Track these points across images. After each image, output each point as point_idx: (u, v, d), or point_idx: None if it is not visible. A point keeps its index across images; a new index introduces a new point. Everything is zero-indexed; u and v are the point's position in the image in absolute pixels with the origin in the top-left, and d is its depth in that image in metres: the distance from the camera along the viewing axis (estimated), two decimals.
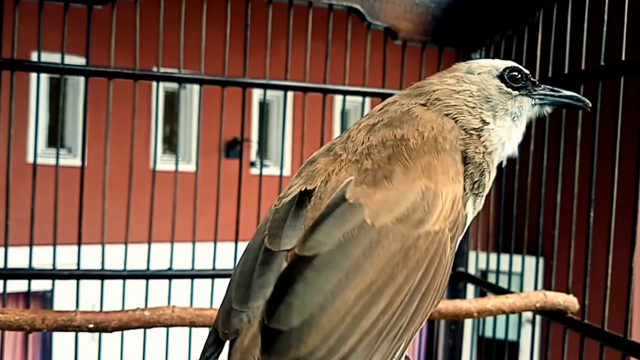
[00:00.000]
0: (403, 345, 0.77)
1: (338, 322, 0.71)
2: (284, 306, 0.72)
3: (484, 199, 0.97)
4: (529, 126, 1.52)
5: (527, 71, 1.03)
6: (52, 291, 4.42)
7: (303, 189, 0.85)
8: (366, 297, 0.73)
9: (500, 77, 1.01)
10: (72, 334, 1.26)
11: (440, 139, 0.89)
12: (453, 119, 0.95)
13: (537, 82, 1.04)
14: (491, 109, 0.98)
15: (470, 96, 0.97)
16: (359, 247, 0.76)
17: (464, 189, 0.90)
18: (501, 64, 1.02)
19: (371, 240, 0.77)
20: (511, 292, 1.42)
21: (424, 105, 0.96)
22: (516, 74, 1.02)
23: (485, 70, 1.01)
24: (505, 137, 0.99)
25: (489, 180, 0.97)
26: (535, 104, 1.03)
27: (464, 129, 0.95)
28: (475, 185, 0.93)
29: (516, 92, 1.01)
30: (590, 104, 1.06)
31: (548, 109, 1.06)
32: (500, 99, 0.99)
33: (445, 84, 0.99)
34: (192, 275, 1.58)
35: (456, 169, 0.88)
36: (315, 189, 0.85)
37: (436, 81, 1.00)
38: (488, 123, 0.97)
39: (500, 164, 1.05)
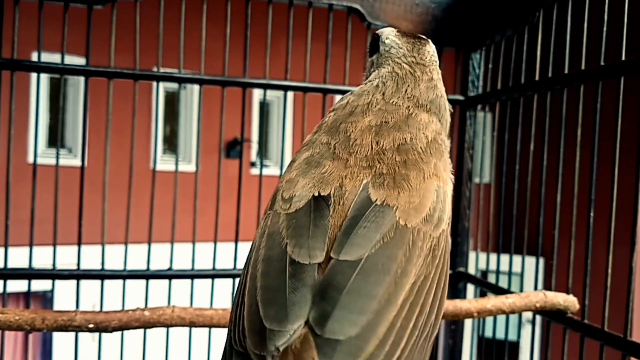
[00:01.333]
0: (432, 342, 0.78)
1: (391, 326, 0.70)
2: (337, 316, 0.68)
3: None
4: (528, 126, 1.52)
5: None
6: (52, 291, 4.43)
7: (316, 194, 0.81)
8: (410, 299, 0.73)
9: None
10: (72, 334, 1.26)
11: (439, 140, 0.91)
12: (438, 122, 0.97)
13: None
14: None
15: (441, 97, 1.01)
16: (401, 248, 0.75)
17: None
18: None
19: (408, 242, 0.76)
20: (511, 292, 1.42)
21: (417, 106, 0.95)
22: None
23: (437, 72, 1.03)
24: None
25: None
26: None
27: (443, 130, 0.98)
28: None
29: None
30: None
31: None
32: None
33: (423, 87, 0.98)
34: (192, 275, 1.58)
35: (449, 168, 0.91)
36: (330, 194, 0.81)
37: (417, 77, 0.99)
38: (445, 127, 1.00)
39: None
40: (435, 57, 1.04)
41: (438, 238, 0.80)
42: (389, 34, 1.04)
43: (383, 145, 0.86)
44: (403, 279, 0.73)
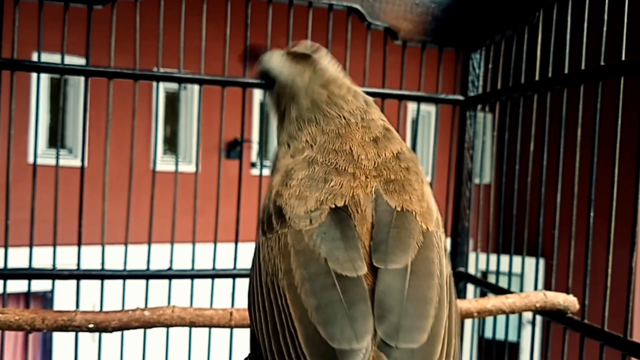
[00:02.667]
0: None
1: (446, 326, 0.71)
2: (406, 323, 0.67)
3: None
4: (528, 126, 1.52)
5: None
6: (52, 291, 4.43)
7: (333, 206, 0.78)
8: (448, 298, 0.75)
9: None
10: (72, 334, 1.26)
11: (409, 148, 0.94)
12: None
13: None
14: None
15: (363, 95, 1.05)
16: (433, 251, 0.76)
17: None
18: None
19: (436, 244, 0.78)
20: (511, 292, 1.42)
21: (381, 119, 0.97)
22: None
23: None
24: None
25: None
26: None
27: None
28: None
29: None
30: None
31: None
32: None
33: (357, 96, 1.01)
34: (192, 275, 1.58)
35: None
36: (347, 204, 0.79)
37: (356, 99, 1.00)
38: None
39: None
40: (326, 60, 1.05)
41: (445, 241, 0.83)
42: (271, 60, 1.07)
43: (385, 155, 0.87)
44: (443, 280, 0.75)
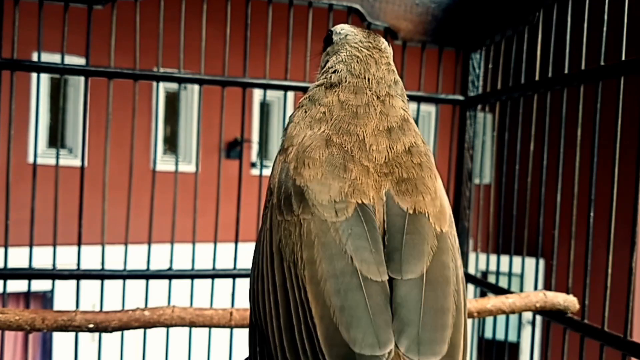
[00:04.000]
0: None
1: (464, 333, 0.71)
2: (425, 336, 0.67)
3: None
4: (528, 126, 1.52)
5: None
6: (52, 291, 4.43)
7: (359, 202, 0.76)
8: (464, 301, 0.74)
9: None
10: (72, 334, 1.26)
11: (423, 139, 0.92)
12: None
13: None
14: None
15: (399, 82, 1.01)
16: (448, 255, 0.75)
17: None
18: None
19: (450, 247, 0.76)
20: (511, 292, 1.42)
21: (403, 109, 0.94)
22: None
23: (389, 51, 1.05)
24: None
25: None
26: None
27: None
28: None
29: None
30: None
31: None
32: None
33: (389, 77, 0.98)
34: (192, 275, 1.58)
35: None
36: (372, 203, 0.77)
37: (383, 72, 0.97)
38: None
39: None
40: (390, 49, 1.02)
41: (456, 237, 0.82)
42: (343, 26, 1.04)
43: (397, 149, 0.84)
44: (459, 285, 0.74)
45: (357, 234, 0.73)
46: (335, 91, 0.92)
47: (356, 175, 0.79)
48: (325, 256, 0.71)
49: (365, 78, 0.93)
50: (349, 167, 0.80)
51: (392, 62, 1.00)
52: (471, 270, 1.77)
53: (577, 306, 1.30)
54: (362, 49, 0.97)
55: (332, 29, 1.06)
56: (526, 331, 4.86)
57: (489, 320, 1.52)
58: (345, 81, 0.93)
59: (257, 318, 0.77)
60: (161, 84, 1.60)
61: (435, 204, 0.79)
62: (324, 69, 0.99)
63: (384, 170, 0.81)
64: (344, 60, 0.96)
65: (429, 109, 2.70)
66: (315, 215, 0.75)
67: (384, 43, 1.01)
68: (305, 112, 0.91)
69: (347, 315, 0.66)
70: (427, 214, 0.77)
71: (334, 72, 0.95)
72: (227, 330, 1.29)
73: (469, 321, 1.56)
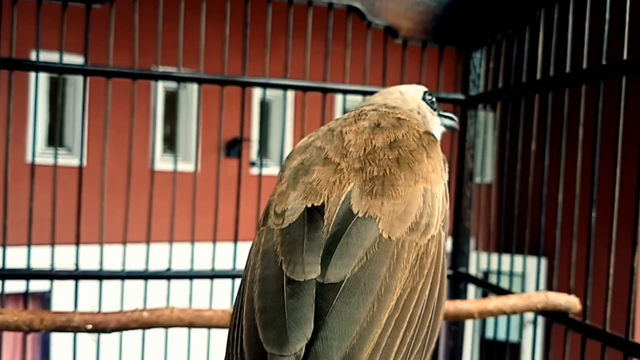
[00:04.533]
0: (430, 355, 0.77)
1: (376, 348, 0.69)
2: (320, 342, 0.67)
3: None
4: (530, 126, 1.52)
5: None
6: (50, 292, 4.42)
7: (309, 205, 0.79)
8: (396, 316, 0.71)
9: (423, 99, 1.13)
10: (71, 334, 1.25)
11: (426, 136, 0.91)
12: None
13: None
14: (427, 124, 1.09)
15: (418, 113, 1.08)
16: (384, 264, 0.73)
17: None
18: (419, 87, 1.15)
19: (392, 255, 0.74)
20: (512, 293, 1.41)
21: (405, 115, 0.99)
22: (433, 97, 1.15)
23: (412, 94, 1.12)
24: None
25: None
26: (440, 124, 1.19)
27: None
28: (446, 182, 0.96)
29: (435, 113, 1.16)
30: (458, 127, 1.26)
31: (443, 130, 1.22)
32: (430, 117, 1.12)
33: (399, 101, 1.08)
34: (191, 276, 1.58)
35: (441, 165, 0.89)
36: (323, 204, 0.78)
37: (388, 99, 1.08)
38: None
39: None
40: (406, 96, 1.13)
41: (426, 245, 0.78)
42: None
43: (376, 143, 0.85)
44: (387, 296, 0.71)
45: (293, 238, 0.76)
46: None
47: (317, 176, 0.82)
48: (262, 263, 0.76)
49: (362, 106, 1.04)
50: (314, 170, 0.83)
51: (389, 94, 1.12)
52: (472, 269, 1.77)
53: (579, 307, 1.30)
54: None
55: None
56: (528, 331, 4.85)
57: (491, 320, 1.51)
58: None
59: None
60: (160, 83, 1.59)
61: (395, 209, 0.78)
62: None
63: (355, 166, 0.82)
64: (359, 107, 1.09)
65: None
66: (268, 225, 0.81)
67: (411, 95, 1.13)
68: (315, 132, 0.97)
69: (265, 315, 0.70)
70: (377, 219, 0.76)
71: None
72: (227, 331, 1.29)
73: (470, 321, 1.56)
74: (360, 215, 0.76)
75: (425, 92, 1.14)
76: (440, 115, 1.18)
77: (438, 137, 1.12)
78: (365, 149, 0.84)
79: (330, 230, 0.76)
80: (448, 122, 1.21)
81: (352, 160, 0.83)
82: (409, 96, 1.10)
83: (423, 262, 0.77)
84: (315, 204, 0.79)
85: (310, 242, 0.75)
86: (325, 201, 0.79)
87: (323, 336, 0.67)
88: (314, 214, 0.78)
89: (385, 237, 0.75)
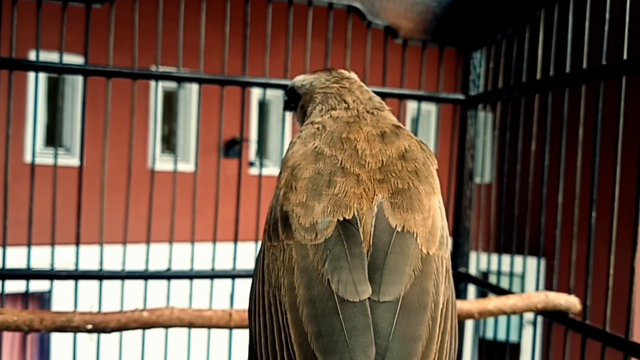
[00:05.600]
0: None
1: None
2: None
3: None
4: (530, 126, 1.52)
5: None
6: (50, 292, 4.42)
7: (341, 218, 0.75)
8: (441, 329, 0.72)
9: None
10: (71, 334, 1.25)
11: (426, 146, 0.90)
12: None
13: None
14: None
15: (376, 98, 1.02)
16: (430, 280, 0.72)
17: None
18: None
19: (434, 271, 0.74)
20: (512, 293, 1.41)
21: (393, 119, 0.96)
22: None
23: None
24: None
25: None
26: None
27: None
28: None
29: None
30: None
31: None
32: None
33: (377, 101, 0.99)
34: (191, 275, 1.57)
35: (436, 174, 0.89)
36: (355, 218, 0.75)
37: (362, 96, 0.99)
38: None
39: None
40: (354, 74, 1.06)
41: (448, 258, 0.79)
42: (300, 77, 1.08)
43: (391, 153, 0.83)
44: (437, 312, 0.71)
45: (335, 254, 0.72)
46: (328, 115, 0.94)
47: (342, 188, 0.78)
48: (304, 282, 0.72)
49: (348, 103, 0.96)
50: (335, 181, 0.79)
51: (363, 85, 1.03)
52: (472, 269, 1.77)
53: (579, 307, 1.30)
54: (332, 85, 1.00)
55: (291, 84, 1.09)
56: (527, 331, 4.85)
57: (490, 320, 1.51)
58: (333, 109, 0.95)
59: (251, 337, 0.79)
60: (160, 83, 1.59)
61: (426, 224, 0.77)
62: (307, 116, 1.01)
63: (377, 177, 0.79)
64: (321, 101, 0.99)
65: (429, 108, 2.70)
66: (296, 239, 0.76)
67: (347, 72, 1.05)
68: (300, 136, 0.92)
69: (323, 341, 0.67)
70: (415, 234, 0.75)
71: (319, 110, 0.97)
72: (227, 331, 1.29)
73: (469, 321, 1.56)
74: (398, 229, 0.74)
75: None
76: None
77: None
78: (382, 160, 0.82)
79: (371, 245, 0.73)
80: None
81: (372, 172, 0.80)
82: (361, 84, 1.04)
83: (450, 274, 0.78)
84: (347, 217, 0.75)
85: (354, 259, 0.72)
86: (356, 214, 0.76)
87: (390, 357, 0.66)
88: (348, 228, 0.74)
89: (425, 252, 0.74)
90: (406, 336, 0.68)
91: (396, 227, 0.74)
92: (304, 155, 0.85)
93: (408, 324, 0.68)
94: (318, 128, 0.90)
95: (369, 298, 0.69)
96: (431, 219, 0.78)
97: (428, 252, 0.74)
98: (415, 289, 0.71)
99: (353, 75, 1.05)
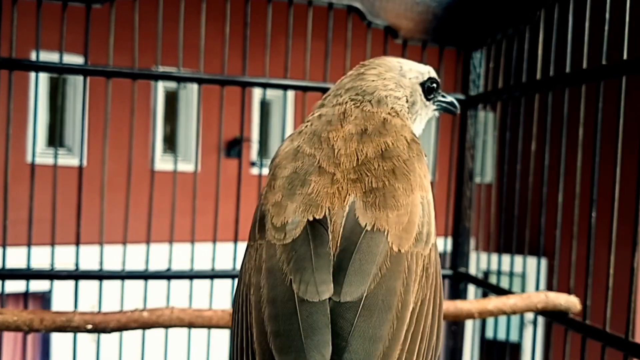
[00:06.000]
0: None
1: None
2: None
3: None
4: (530, 126, 1.52)
5: (438, 79, 1.06)
6: (50, 292, 4.42)
7: (310, 218, 0.75)
8: (411, 330, 0.71)
9: (422, 84, 1.02)
10: (71, 334, 1.25)
11: (416, 140, 0.89)
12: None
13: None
14: (413, 114, 1.01)
15: (406, 102, 0.99)
16: (398, 279, 0.72)
17: None
18: (426, 71, 1.03)
19: (404, 270, 0.73)
20: (512, 293, 1.41)
21: (388, 113, 0.94)
22: (435, 85, 1.04)
23: (414, 75, 1.01)
24: None
25: None
26: (434, 110, 1.08)
27: None
28: None
29: (429, 102, 1.05)
30: (457, 111, 1.11)
31: (437, 114, 1.12)
32: (421, 106, 1.02)
33: (389, 89, 0.97)
34: (191, 275, 1.57)
35: (426, 172, 0.88)
36: (325, 217, 0.75)
37: (380, 84, 0.97)
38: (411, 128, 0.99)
39: None
40: (390, 60, 1.03)
41: (429, 255, 0.78)
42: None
43: (367, 153, 0.82)
44: (404, 312, 0.71)
45: (301, 255, 0.73)
46: (318, 112, 0.94)
47: (315, 187, 0.78)
48: (269, 282, 0.73)
49: (340, 98, 0.95)
50: (310, 180, 0.79)
51: (386, 66, 1.00)
52: (472, 269, 1.77)
53: (579, 307, 1.30)
54: (343, 78, 1.01)
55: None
56: (528, 331, 4.85)
57: (491, 320, 1.51)
58: (324, 106, 0.96)
59: (230, 334, 0.81)
60: (160, 83, 1.59)
61: (400, 221, 0.76)
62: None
63: (351, 177, 0.79)
64: (325, 97, 1.00)
65: None
66: (267, 239, 0.77)
67: (379, 59, 1.02)
68: (292, 134, 0.92)
69: (280, 340, 0.68)
70: (386, 232, 0.74)
71: (318, 107, 0.98)
72: (227, 331, 1.29)
73: (470, 321, 1.56)
74: (368, 228, 0.74)
75: (428, 79, 1.03)
76: (437, 102, 1.08)
77: (421, 126, 1.05)
78: (358, 159, 0.81)
79: (338, 245, 0.74)
80: (441, 106, 1.09)
81: (346, 171, 0.80)
82: (407, 79, 1.00)
83: (429, 272, 0.77)
84: (317, 217, 0.75)
85: (318, 259, 0.72)
86: (327, 214, 0.76)
87: (348, 358, 0.66)
88: (317, 228, 0.75)
89: (395, 250, 0.74)
90: (366, 336, 0.67)
91: (366, 225, 0.74)
92: (287, 154, 0.86)
93: (369, 324, 0.68)
94: (306, 126, 0.90)
95: (331, 298, 0.69)
96: (407, 215, 0.77)
97: (399, 250, 0.74)
98: (381, 289, 0.70)
99: (383, 60, 1.01)
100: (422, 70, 1.02)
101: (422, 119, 1.04)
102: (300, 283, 0.70)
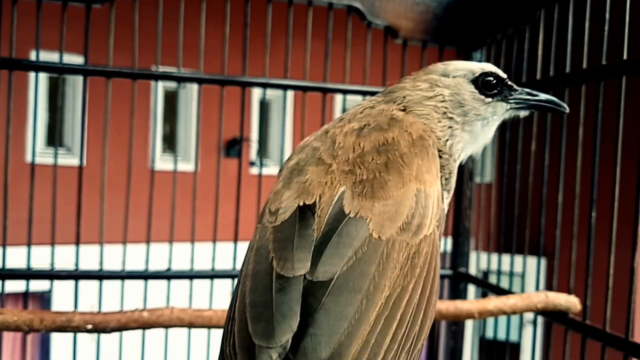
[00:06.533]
0: (417, 353, 0.77)
1: (365, 345, 0.70)
2: (308, 338, 0.69)
3: (451, 196, 0.98)
4: (530, 126, 1.52)
5: (504, 75, 1.02)
6: (50, 292, 4.42)
7: (301, 204, 0.81)
8: (385, 314, 0.73)
9: (475, 82, 1.00)
10: (71, 334, 1.25)
11: (425, 137, 0.90)
12: (425, 124, 0.96)
13: (514, 86, 1.02)
14: (463, 114, 0.98)
15: (442, 101, 0.97)
16: (373, 263, 0.74)
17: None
18: (478, 67, 1.01)
19: (382, 255, 0.75)
20: (512, 293, 1.41)
21: (402, 110, 0.96)
22: (491, 79, 1.00)
23: (460, 74, 1.00)
24: (469, 141, 1.00)
25: (454, 179, 0.98)
26: (510, 109, 1.03)
27: (434, 132, 0.96)
28: (444, 183, 0.94)
29: (490, 99, 1.00)
30: (567, 109, 1.04)
31: (524, 113, 1.06)
32: (473, 104, 0.99)
33: (418, 89, 0.98)
34: (191, 275, 1.57)
35: (437, 166, 0.89)
36: (315, 204, 0.80)
37: (409, 85, 0.99)
38: (455, 128, 0.97)
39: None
40: (439, 66, 1.03)
41: (418, 245, 0.79)
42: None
43: (364, 147, 0.86)
44: (375, 295, 0.73)
45: (285, 235, 0.78)
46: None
47: (310, 177, 0.84)
48: (255, 259, 0.79)
49: (383, 94, 1.00)
50: (308, 170, 0.85)
51: (424, 75, 1.01)
52: (472, 269, 1.77)
53: (579, 307, 1.30)
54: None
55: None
56: (527, 331, 4.85)
57: (491, 320, 1.51)
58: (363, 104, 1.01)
59: None
60: (160, 83, 1.59)
61: (386, 210, 0.79)
62: None
63: (344, 168, 0.84)
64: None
65: None
66: (262, 222, 0.83)
67: (434, 65, 1.03)
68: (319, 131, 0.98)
69: (255, 309, 0.73)
70: (368, 219, 0.77)
71: None
72: None
73: (470, 321, 1.56)
74: (351, 215, 0.78)
75: (481, 74, 0.99)
76: (515, 100, 1.02)
77: (484, 125, 1.00)
78: (354, 152, 0.86)
79: (322, 229, 0.78)
80: (526, 104, 1.02)
81: (341, 163, 0.84)
82: (450, 78, 0.98)
83: (415, 262, 0.78)
84: (307, 203, 0.81)
85: (300, 240, 0.77)
86: (317, 201, 0.81)
87: (312, 332, 0.69)
88: (305, 213, 0.80)
89: (375, 237, 0.76)
90: (332, 314, 0.71)
91: (349, 213, 0.78)
92: (301, 147, 0.92)
93: (336, 303, 0.71)
94: (330, 125, 0.96)
95: (305, 277, 0.73)
96: (396, 205, 0.80)
97: (379, 237, 0.77)
98: (353, 272, 0.74)
99: (432, 65, 1.02)
100: (471, 67, 1.00)
101: (482, 117, 1.00)
102: (280, 259, 0.76)
